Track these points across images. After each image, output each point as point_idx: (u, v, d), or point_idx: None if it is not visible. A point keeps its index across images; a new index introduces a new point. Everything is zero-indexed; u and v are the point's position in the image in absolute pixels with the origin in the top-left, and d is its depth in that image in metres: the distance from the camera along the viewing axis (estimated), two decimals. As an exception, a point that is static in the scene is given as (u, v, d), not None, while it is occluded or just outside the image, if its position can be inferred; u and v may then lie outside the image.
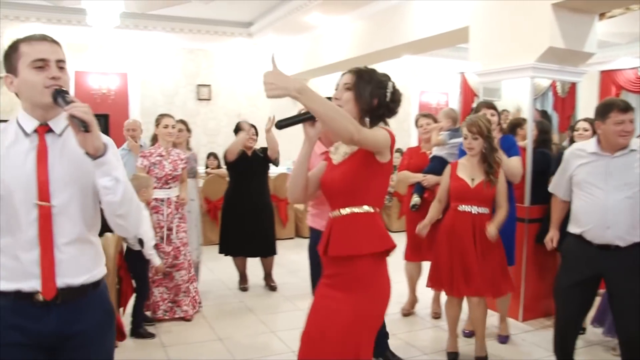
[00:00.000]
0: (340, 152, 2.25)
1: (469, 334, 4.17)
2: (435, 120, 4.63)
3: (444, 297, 4.08)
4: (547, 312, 4.54)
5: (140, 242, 4.06)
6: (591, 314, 3.74)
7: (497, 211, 3.63)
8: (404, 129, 10.73)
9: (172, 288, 4.56)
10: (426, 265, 4.06)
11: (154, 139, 4.80)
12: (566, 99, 5.14)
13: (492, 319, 4.38)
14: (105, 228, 1.96)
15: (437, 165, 4.36)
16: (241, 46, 10.01)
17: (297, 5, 7.61)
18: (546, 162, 4.49)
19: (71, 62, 9.23)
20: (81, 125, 1.69)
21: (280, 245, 5.77)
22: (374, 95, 2.16)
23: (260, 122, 5.52)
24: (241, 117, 5.42)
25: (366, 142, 2.02)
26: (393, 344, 3.84)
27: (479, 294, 3.59)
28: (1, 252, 1.77)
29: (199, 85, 10.19)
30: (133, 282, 4.13)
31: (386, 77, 2.22)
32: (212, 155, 8.32)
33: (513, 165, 3.92)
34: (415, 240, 4.34)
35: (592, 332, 4.24)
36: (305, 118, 2.11)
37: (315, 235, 3.34)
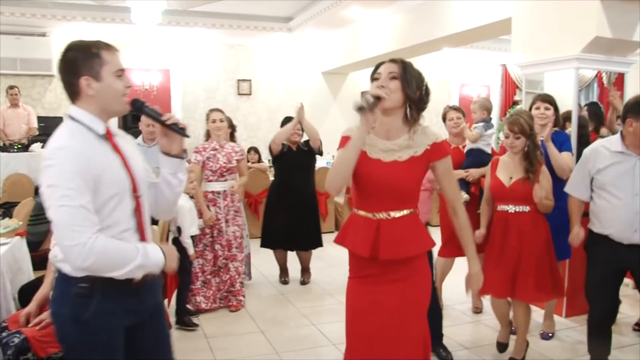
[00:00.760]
0: (395, 152, 2.17)
1: (513, 332, 4.11)
2: (464, 114, 4.50)
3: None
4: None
5: (179, 229, 4.22)
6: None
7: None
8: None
9: (225, 280, 4.67)
10: (458, 262, 4.03)
11: (207, 135, 4.88)
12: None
13: (536, 314, 4.33)
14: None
15: (478, 157, 4.31)
16: (281, 41, 10.07)
17: (336, -1, 7.60)
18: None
19: (115, 59, 9.50)
20: (181, 132, 1.97)
21: (320, 239, 5.79)
22: (418, 87, 2.17)
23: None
24: (299, 109, 5.29)
25: None
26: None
27: (522, 299, 3.50)
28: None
29: (240, 80, 10.29)
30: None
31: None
32: (252, 149, 8.39)
33: (564, 161, 3.82)
34: (449, 236, 4.26)
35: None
36: (375, 101, 2.09)
37: None
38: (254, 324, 4.42)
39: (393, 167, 2.15)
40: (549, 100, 3.95)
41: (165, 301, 4.14)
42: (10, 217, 4.48)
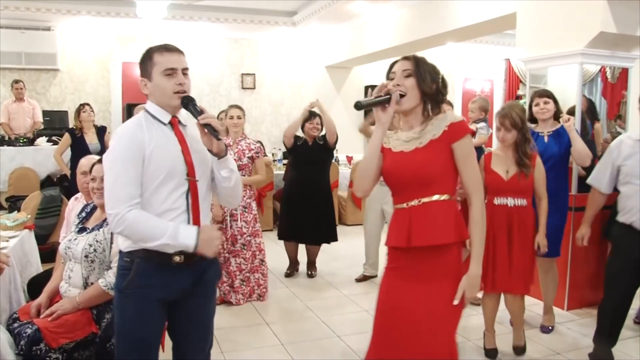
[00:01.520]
0: (416, 140, 2.17)
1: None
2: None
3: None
4: (593, 301, 4.47)
5: None
6: None
7: (538, 206, 3.57)
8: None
9: (230, 273, 4.70)
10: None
11: (226, 131, 4.87)
12: (616, 85, 5.02)
13: (537, 307, 4.36)
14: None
15: (478, 157, 4.34)
16: (285, 35, 10.06)
17: (340, -7, 7.61)
18: (592, 150, 4.40)
19: (119, 53, 9.52)
20: (213, 133, 2.07)
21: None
22: (433, 81, 2.18)
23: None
24: (313, 103, 5.36)
25: None
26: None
27: (509, 291, 3.55)
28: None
29: (244, 74, 10.30)
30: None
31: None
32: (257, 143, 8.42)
33: (585, 148, 3.88)
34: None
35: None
36: (383, 100, 2.10)
37: None
38: (258, 316, 4.47)
39: (415, 154, 2.15)
40: (546, 94, 4.05)
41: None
42: (18, 210, 4.52)
